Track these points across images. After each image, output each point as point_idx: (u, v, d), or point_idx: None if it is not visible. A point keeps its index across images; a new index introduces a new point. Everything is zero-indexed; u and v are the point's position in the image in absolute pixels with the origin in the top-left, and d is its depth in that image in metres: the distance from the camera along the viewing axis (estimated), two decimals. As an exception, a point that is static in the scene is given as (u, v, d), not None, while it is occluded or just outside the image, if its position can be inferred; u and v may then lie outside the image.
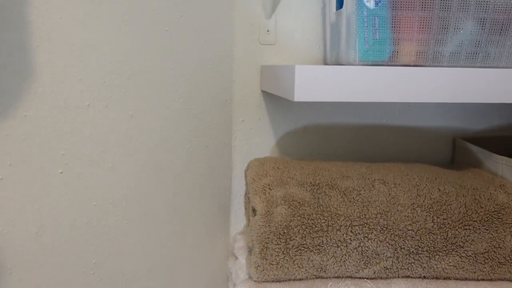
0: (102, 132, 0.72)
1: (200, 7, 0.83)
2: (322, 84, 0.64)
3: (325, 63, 0.93)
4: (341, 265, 0.70)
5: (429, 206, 0.72)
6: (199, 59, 0.85)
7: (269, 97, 0.95)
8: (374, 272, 0.71)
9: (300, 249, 0.69)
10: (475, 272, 0.72)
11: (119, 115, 0.73)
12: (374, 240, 0.70)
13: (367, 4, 0.69)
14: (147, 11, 0.75)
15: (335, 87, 0.65)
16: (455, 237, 0.71)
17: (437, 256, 0.71)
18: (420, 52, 0.72)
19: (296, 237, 0.69)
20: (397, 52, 0.71)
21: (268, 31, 0.94)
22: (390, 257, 0.70)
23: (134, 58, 0.74)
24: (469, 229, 0.71)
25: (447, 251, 0.71)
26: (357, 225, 0.70)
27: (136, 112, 0.76)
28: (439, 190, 0.74)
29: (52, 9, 0.63)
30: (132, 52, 0.74)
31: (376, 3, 0.69)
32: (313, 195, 0.72)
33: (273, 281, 0.71)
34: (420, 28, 0.70)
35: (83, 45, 0.67)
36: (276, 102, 0.96)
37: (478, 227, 0.71)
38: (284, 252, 0.69)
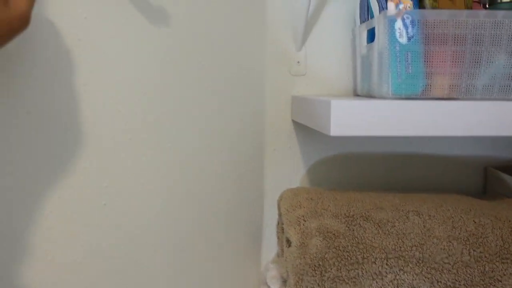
0: (142, 163, 0.74)
1: (232, 40, 0.86)
2: (358, 119, 0.66)
3: (356, 94, 0.95)
4: (376, 298, 0.70)
5: (465, 239, 0.71)
6: (232, 90, 0.87)
7: (300, 126, 0.97)
8: (410, 305, 0.71)
9: (335, 281, 0.70)
10: (513, 307, 0.71)
11: (157, 147, 0.76)
12: (410, 273, 0.70)
13: (400, 39, 0.71)
14: (184, 47, 0.78)
15: (370, 121, 0.66)
16: (492, 271, 0.70)
17: (474, 290, 0.70)
18: (453, 86, 0.72)
19: (331, 269, 0.69)
20: (430, 85, 0.72)
21: (298, 62, 0.96)
22: (426, 290, 0.70)
23: (171, 92, 0.77)
24: (507, 262, 0.70)
25: (484, 285, 0.70)
26: (392, 258, 0.70)
27: (174, 143, 0.79)
28: (475, 222, 0.74)
29: (97, 47, 0.66)
30: (169, 87, 0.77)
31: (409, 39, 0.70)
32: (348, 227, 0.72)
33: (308, 312, 0.72)
34: (452, 62, 0.72)
35: (125, 84, 0.70)
36: (306, 131, 0.97)
37: (516, 261, 0.70)
38: (320, 284, 0.69)
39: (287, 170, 0.98)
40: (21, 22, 0.43)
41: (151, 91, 0.73)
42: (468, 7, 0.74)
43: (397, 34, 0.70)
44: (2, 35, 0.41)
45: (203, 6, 0.80)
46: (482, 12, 0.70)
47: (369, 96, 0.83)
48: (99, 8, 0.65)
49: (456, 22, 0.70)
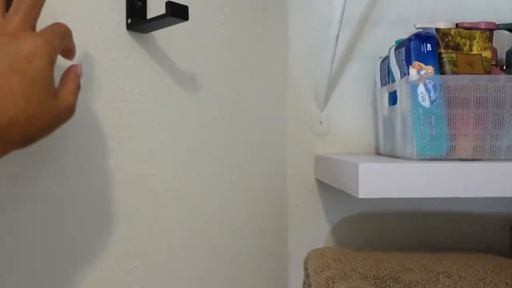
0: (170, 221, 0.75)
1: (257, 103, 0.90)
2: (385, 181, 0.67)
3: (378, 153, 0.96)
4: None
5: (498, 302, 0.70)
6: (256, 149, 0.90)
7: (323, 184, 0.98)
8: None
9: None
10: None
11: (185, 205, 0.77)
12: (443, 338, 0.68)
13: (423, 103, 0.73)
14: (214, 112, 0.81)
15: (397, 183, 0.67)
16: (529, 336, 0.68)
17: None
18: (477, 147, 0.74)
19: (362, 333, 0.69)
20: (454, 147, 0.74)
21: (321, 122, 0.99)
22: None
23: (201, 154, 0.80)
24: (543, 327, 0.69)
25: None
26: (424, 321, 0.69)
27: (200, 202, 0.80)
28: (507, 284, 0.73)
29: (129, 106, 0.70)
30: (199, 149, 0.79)
31: (432, 102, 0.73)
32: (378, 289, 0.72)
33: None
34: (475, 124, 0.73)
35: (158, 148, 0.73)
36: (330, 189, 0.98)
37: (552, 325, 0.69)
38: None
39: (311, 226, 0.98)
40: (69, 114, 0.47)
41: (182, 154, 0.76)
42: (486, 71, 0.77)
43: (420, 98, 0.73)
44: (52, 126, 0.45)
45: (231, 75, 0.84)
46: (502, 77, 0.72)
47: (393, 156, 0.85)
48: (136, 79, 0.68)
49: (477, 86, 0.72)
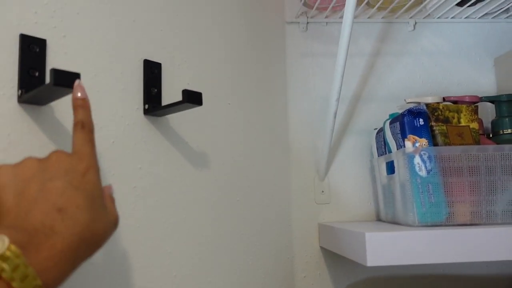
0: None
1: (262, 178, 0.94)
2: (391, 249, 0.70)
3: (379, 219, 1.00)
4: None
5: None
6: (264, 223, 0.93)
7: (328, 253, 1.01)
8: None
9: None
10: None
11: (199, 282, 0.79)
12: None
13: (420, 173, 0.78)
14: (223, 188, 0.85)
15: (403, 251, 0.70)
16: None
17: None
18: (474, 212, 0.78)
19: None
20: (453, 213, 0.78)
21: (322, 191, 1.03)
22: None
23: (212, 230, 0.83)
24: None
25: None
26: None
27: (213, 278, 0.82)
28: None
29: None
30: (210, 225, 0.82)
31: (428, 172, 0.78)
32: None
33: None
34: (470, 191, 0.78)
35: (174, 226, 0.76)
36: (335, 257, 1.01)
37: None
38: None
39: (319, 297, 0.99)
40: (116, 225, 0.50)
41: (195, 231, 0.79)
42: (476, 140, 0.83)
43: (417, 168, 0.78)
44: (107, 236, 0.46)
45: (239, 152, 0.89)
46: (491, 147, 0.79)
47: (394, 222, 0.89)
48: (152, 160, 0.73)
49: (468, 156, 0.78)
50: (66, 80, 0.51)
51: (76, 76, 0.51)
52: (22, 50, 0.58)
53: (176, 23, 0.81)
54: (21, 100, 0.57)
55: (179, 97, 0.79)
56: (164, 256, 0.73)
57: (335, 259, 1.01)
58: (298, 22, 1.08)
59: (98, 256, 0.64)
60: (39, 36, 0.61)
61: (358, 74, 1.08)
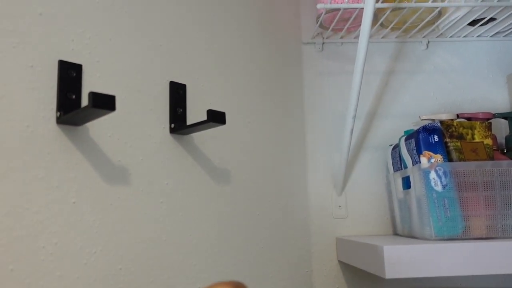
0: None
1: (280, 193, 0.97)
2: (408, 261, 0.72)
3: (396, 234, 1.02)
4: None
5: None
6: (283, 238, 0.96)
7: (346, 266, 1.03)
8: None
9: None
10: None
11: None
12: None
13: (436, 188, 0.80)
14: (244, 203, 0.89)
15: (420, 263, 0.73)
16: None
17: None
18: (489, 226, 0.80)
19: None
20: (469, 227, 0.80)
21: (340, 206, 1.05)
22: None
23: (234, 244, 0.86)
24: None
25: None
26: None
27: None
28: None
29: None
30: (231, 239, 0.85)
31: (444, 187, 0.80)
32: None
33: None
34: (486, 205, 0.80)
35: (197, 241, 0.79)
36: (353, 271, 1.02)
37: None
38: None
39: (338, 311, 1.01)
40: None
41: (220, 245, 0.82)
42: (490, 156, 0.85)
43: (433, 183, 0.81)
44: None
45: (258, 169, 0.93)
46: (505, 162, 0.81)
47: (411, 236, 0.91)
48: (178, 176, 0.77)
49: (483, 171, 0.80)
50: (103, 102, 0.55)
51: (112, 98, 0.55)
52: (61, 75, 0.63)
53: (199, 47, 0.85)
54: (60, 121, 0.62)
55: (203, 117, 0.83)
56: (189, 268, 0.77)
57: (353, 273, 1.03)
58: (314, 43, 1.12)
59: (132, 270, 0.67)
60: (75, 62, 0.66)
61: (373, 91, 1.11)
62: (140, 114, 0.73)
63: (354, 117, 0.91)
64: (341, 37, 1.12)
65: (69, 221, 0.62)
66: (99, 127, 0.67)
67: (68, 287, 0.60)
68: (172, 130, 0.77)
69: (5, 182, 0.56)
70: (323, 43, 1.12)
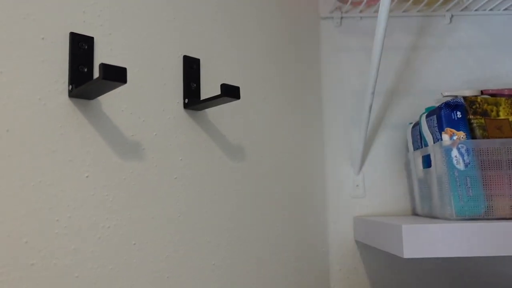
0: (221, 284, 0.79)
1: (297, 171, 0.96)
2: (427, 241, 0.70)
3: (415, 214, 1.00)
4: None
5: None
6: (300, 216, 0.94)
7: (363, 246, 1.01)
8: None
9: None
10: None
11: (232, 275, 0.81)
12: None
13: (457, 166, 0.78)
14: (259, 181, 0.87)
15: (439, 243, 0.70)
16: None
17: None
18: (513, 206, 0.77)
19: None
20: (492, 206, 0.77)
21: (357, 185, 1.03)
22: None
23: (247, 222, 0.85)
24: None
25: None
26: None
27: (251, 267, 0.84)
28: None
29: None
30: (246, 217, 0.84)
31: (466, 165, 0.78)
32: None
33: None
34: (510, 184, 0.77)
35: (211, 217, 0.79)
36: (370, 250, 1.01)
37: None
38: None
39: (354, 290, 1.00)
40: None
41: (233, 222, 0.81)
42: (515, 133, 0.82)
43: (454, 161, 0.78)
44: None
45: (274, 146, 0.91)
46: (531, 140, 0.77)
47: (431, 216, 0.88)
48: (192, 152, 0.76)
49: (508, 149, 0.77)
50: (114, 75, 0.53)
51: (124, 71, 0.54)
52: (72, 48, 0.62)
53: (213, 20, 0.83)
54: (72, 94, 0.61)
55: (217, 92, 0.82)
56: (204, 245, 0.76)
57: (371, 253, 1.01)
58: (332, 17, 1.09)
59: (146, 245, 0.67)
60: (87, 34, 0.64)
61: (393, 68, 1.08)
62: (154, 88, 0.72)
63: (373, 93, 0.88)
64: (360, 11, 1.08)
65: (83, 195, 0.61)
66: (112, 101, 0.66)
67: (82, 261, 0.60)
68: (186, 105, 0.76)
69: (19, 154, 0.56)
70: (342, 17, 1.09)
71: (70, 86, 0.61)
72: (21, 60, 0.57)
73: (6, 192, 0.54)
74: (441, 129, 0.81)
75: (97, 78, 0.54)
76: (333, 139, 1.05)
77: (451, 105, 0.81)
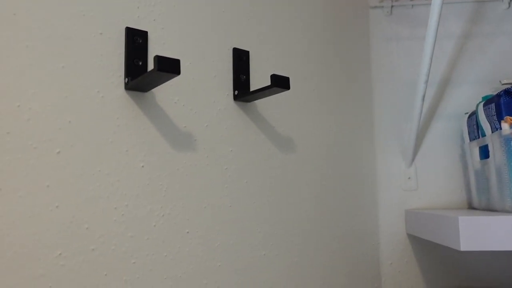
0: (272, 274, 0.80)
1: (346, 163, 0.94)
2: (485, 234, 0.68)
3: (471, 207, 0.96)
4: None
5: None
6: (349, 208, 0.93)
7: (415, 240, 0.98)
8: None
9: None
10: None
11: (286, 262, 0.82)
12: None
13: (518, 156, 0.74)
14: (309, 172, 0.87)
15: (498, 236, 0.68)
16: None
17: None
18: None
19: None
20: (556, 199, 0.73)
21: (409, 178, 1.01)
22: None
23: (298, 213, 0.85)
24: None
25: None
26: None
27: (301, 259, 0.84)
28: None
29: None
30: (297, 207, 0.84)
31: (527, 155, 0.74)
32: None
33: None
34: None
35: (263, 207, 0.79)
36: (423, 244, 0.98)
37: None
38: None
39: (406, 284, 0.97)
40: None
41: (284, 212, 0.81)
42: None
43: (515, 151, 0.74)
44: None
45: (323, 137, 0.90)
46: None
47: (488, 209, 0.85)
48: (242, 143, 0.77)
49: None
50: (168, 66, 0.55)
51: (177, 62, 0.55)
52: (128, 42, 0.64)
53: (262, 12, 0.84)
54: (128, 87, 0.63)
55: (265, 84, 0.82)
56: (254, 235, 0.77)
57: (423, 246, 0.98)
58: (382, 6, 1.06)
59: (198, 234, 0.69)
60: (141, 29, 0.66)
61: (447, 57, 1.04)
62: (204, 80, 0.73)
63: (426, 82, 0.85)
64: (412, -1, 1.05)
65: (138, 184, 0.63)
66: (165, 93, 0.68)
67: (138, 248, 0.62)
68: (235, 97, 0.76)
69: (79, 145, 0.58)
70: (392, 6, 1.06)
71: (126, 79, 0.63)
72: (81, 55, 0.60)
73: (68, 179, 0.57)
74: (500, 118, 0.77)
75: (152, 70, 0.55)
76: (384, 131, 1.03)
77: (510, 93, 0.77)
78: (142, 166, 0.64)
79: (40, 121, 0.56)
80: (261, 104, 0.81)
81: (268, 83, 0.82)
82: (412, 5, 1.06)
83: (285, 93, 0.85)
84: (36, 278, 0.54)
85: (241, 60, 0.78)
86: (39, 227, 0.54)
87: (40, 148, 0.55)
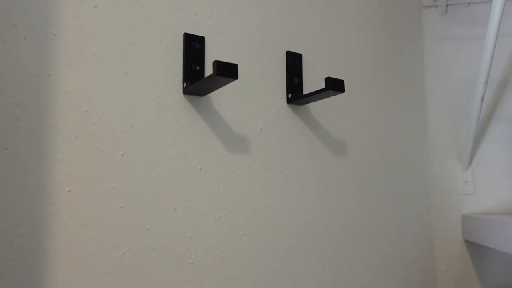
0: (325, 276, 0.79)
1: (399, 166, 0.92)
2: (554, 241, 0.65)
3: (534, 213, 0.92)
4: None
5: None
6: (400, 211, 0.91)
7: (473, 246, 0.95)
8: None
9: None
10: None
11: (340, 265, 0.81)
12: None
13: None
14: (361, 175, 0.86)
15: None
16: None
17: None
18: None
19: None
20: None
21: (466, 182, 0.97)
22: None
23: (351, 215, 0.84)
24: None
25: None
26: None
27: (354, 263, 0.83)
28: None
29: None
30: (350, 210, 0.84)
31: None
32: None
33: None
34: None
35: (316, 210, 0.79)
36: (482, 251, 0.95)
37: None
38: None
39: (463, 292, 0.94)
40: None
41: (337, 215, 0.81)
42: None
43: None
44: None
45: (376, 140, 0.89)
46: None
47: (554, 216, 0.81)
48: (295, 146, 0.77)
49: None
50: (227, 71, 0.56)
51: (235, 67, 0.56)
52: (186, 47, 0.66)
53: (315, 15, 0.83)
54: (186, 91, 0.65)
55: (318, 87, 0.82)
56: (307, 238, 0.77)
57: (482, 253, 0.95)
58: (437, 5, 1.03)
59: (253, 236, 0.69)
60: (198, 34, 0.68)
61: (507, 56, 1.00)
62: (258, 84, 0.74)
63: (486, 83, 0.83)
64: (468, -3, 1.02)
65: (196, 186, 0.65)
66: (221, 98, 0.69)
67: (196, 248, 0.64)
68: (289, 100, 0.77)
69: (140, 148, 0.60)
70: (447, 5, 1.03)
71: (185, 84, 0.65)
72: (142, 61, 0.62)
73: (131, 181, 0.59)
74: None
75: (211, 75, 0.57)
76: (438, 133, 1.00)
77: None
78: (200, 169, 0.66)
79: (105, 125, 0.58)
80: (314, 107, 0.80)
81: (321, 85, 0.82)
82: (469, 3, 1.02)
83: (337, 96, 0.84)
84: (101, 276, 0.56)
85: (294, 63, 0.78)
86: (105, 227, 0.57)
87: (106, 151, 0.58)
